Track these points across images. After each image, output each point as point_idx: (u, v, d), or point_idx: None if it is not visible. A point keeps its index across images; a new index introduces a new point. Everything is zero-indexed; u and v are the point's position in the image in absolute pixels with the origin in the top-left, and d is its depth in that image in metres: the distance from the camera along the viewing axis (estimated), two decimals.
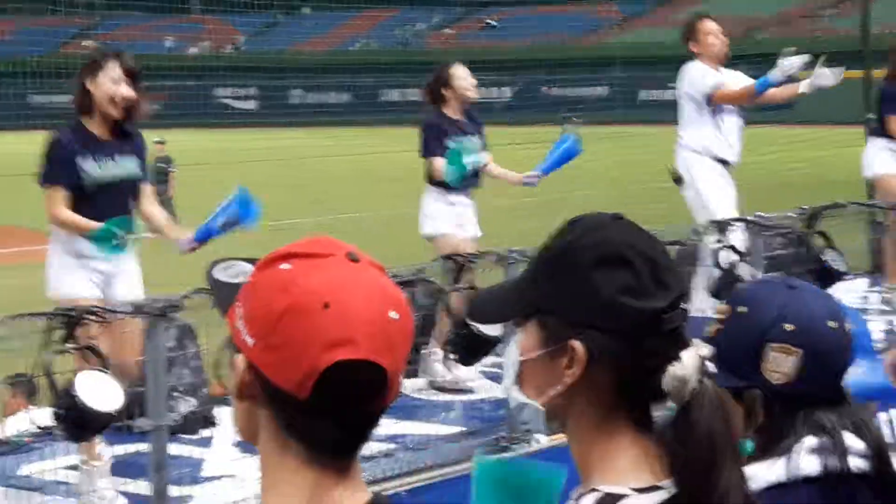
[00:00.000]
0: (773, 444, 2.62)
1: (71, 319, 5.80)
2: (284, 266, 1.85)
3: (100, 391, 5.50)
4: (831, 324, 2.65)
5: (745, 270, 7.99)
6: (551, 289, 2.08)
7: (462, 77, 9.51)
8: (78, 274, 6.94)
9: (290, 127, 62.02)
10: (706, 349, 2.08)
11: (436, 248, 9.01)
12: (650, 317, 2.03)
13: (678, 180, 9.97)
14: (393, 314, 1.83)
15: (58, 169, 7.00)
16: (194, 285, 5.83)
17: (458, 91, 9.44)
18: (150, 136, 7.61)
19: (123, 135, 7.17)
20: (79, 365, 5.82)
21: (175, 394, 7.29)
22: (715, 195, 9.79)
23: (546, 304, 2.08)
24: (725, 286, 7.94)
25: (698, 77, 9.99)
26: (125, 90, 7.05)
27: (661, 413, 2.06)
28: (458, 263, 7.51)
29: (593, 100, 64.48)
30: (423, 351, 8.43)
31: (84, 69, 7.14)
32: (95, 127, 7.10)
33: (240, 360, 1.85)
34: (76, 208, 7.00)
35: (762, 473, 2.56)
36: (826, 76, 9.92)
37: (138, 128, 7.34)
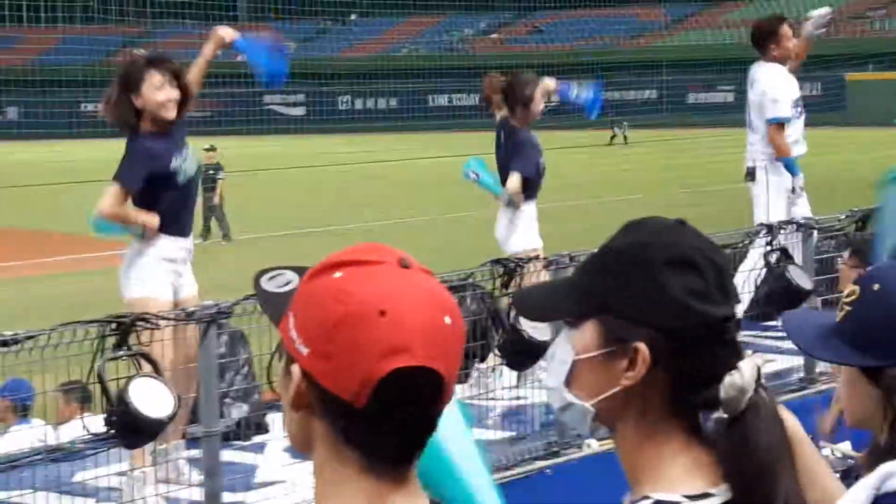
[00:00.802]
0: None
1: (123, 326, 5.83)
2: (336, 274, 1.84)
3: (153, 397, 5.52)
4: None
5: (795, 273, 7.96)
6: (616, 287, 2.04)
7: (539, 101, 9.63)
8: (159, 276, 7.08)
9: (338, 133, 62.27)
10: (761, 359, 2.07)
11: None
12: (715, 323, 2.02)
13: (751, 176, 10.12)
14: (447, 319, 1.82)
15: (133, 170, 7.11)
16: (244, 291, 5.88)
17: (532, 114, 9.59)
18: (200, 143, 7.73)
19: (178, 126, 7.29)
20: (132, 372, 5.86)
21: (227, 400, 7.33)
22: (777, 204, 9.88)
23: (608, 302, 2.04)
24: (776, 289, 7.91)
25: (771, 99, 10.15)
26: (171, 93, 7.12)
27: (709, 420, 2.05)
28: (507, 268, 7.50)
29: (641, 103, 64.38)
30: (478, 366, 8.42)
31: (123, 85, 7.16)
32: (153, 129, 7.18)
33: (295, 369, 1.84)
34: (166, 208, 7.13)
35: None
36: (820, 14, 10.56)
37: (188, 132, 7.48)
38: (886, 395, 2.59)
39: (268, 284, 2.03)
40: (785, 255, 8.13)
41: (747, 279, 8.33)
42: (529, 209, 9.62)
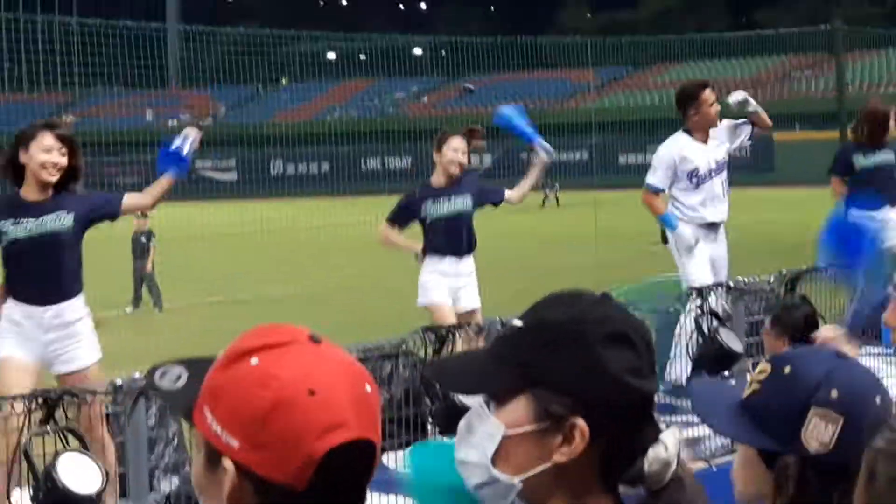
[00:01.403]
0: None
1: (50, 401, 5.75)
2: (253, 361, 1.81)
3: (80, 473, 5.45)
4: (877, 399, 2.51)
5: (726, 336, 7.99)
6: (551, 362, 2.02)
7: (451, 149, 9.65)
8: (11, 338, 7.19)
9: (271, 198, 62.15)
10: (679, 431, 2.07)
11: (431, 318, 9.11)
12: (646, 398, 2.02)
13: (664, 239, 10.26)
14: (367, 388, 1.83)
15: None
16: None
17: (442, 161, 9.66)
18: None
19: (62, 194, 7.37)
20: (58, 447, 5.78)
21: (157, 472, 7.23)
22: (690, 264, 9.95)
23: (543, 377, 2.02)
24: (707, 352, 7.94)
25: (651, 166, 10.40)
26: (56, 157, 7.23)
27: (631, 495, 2.04)
28: (438, 335, 7.48)
29: (573, 165, 64.76)
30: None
31: (17, 141, 7.33)
32: (29, 192, 7.32)
33: (227, 463, 1.80)
34: (7, 266, 7.33)
35: None
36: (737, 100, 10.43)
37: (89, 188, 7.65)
38: (776, 481, 2.51)
39: (161, 382, 1.97)
40: (716, 318, 8.16)
41: (689, 343, 8.34)
42: (434, 264, 9.63)
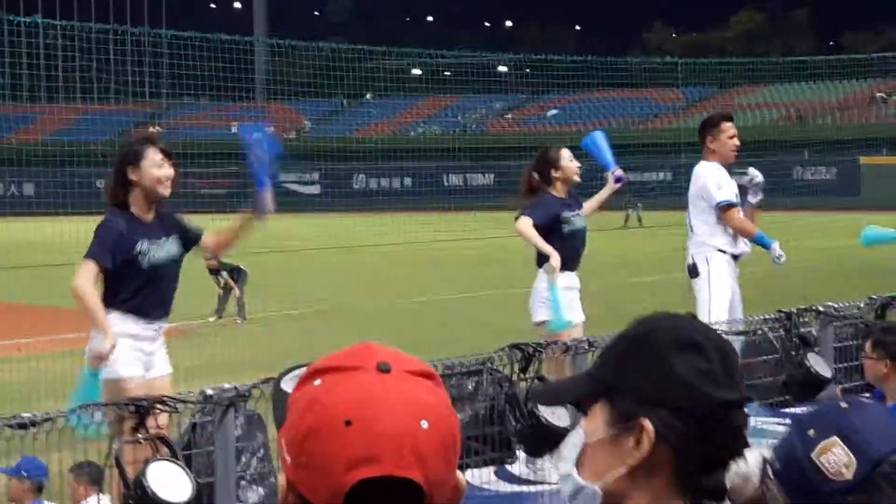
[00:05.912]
0: None
1: (141, 409, 5.81)
2: (316, 382, 1.83)
3: (170, 481, 5.50)
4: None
5: (815, 361, 7.91)
6: (624, 369, 2.08)
7: (568, 159, 9.77)
8: (127, 354, 7.22)
9: (353, 212, 62.43)
10: (768, 451, 2.08)
11: (543, 335, 9.08)
12: (719, 406, 2.03)
13: (693, 272, 10.09)
14: (423, 424, 1.79)
15: (103, 248, 7.23)
16: (258, 370, 5.83)
17: (566, 172, 9.70)
18: (220, 221, 7.86)
19: (160, 216, 7.43)
20: (149, 455, 5.83)
21: (243, 482, 7.28)
22: (718, 295, 9.88)
23: (617, 383, 2.08)
24: (795, 377, 7.87)
25: (713, 187, 10.16)
26: (168, 170, 7.32)
27: None
28: (524, 353, 7.46)
29: (657, 185, 64.51)
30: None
31: (124, 161, 7.34)
32: (140, 212, 7.35)
33: (281, 477, 1.86)
34: (132, 289, 7.26)
35: None
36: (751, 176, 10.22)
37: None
38: None
39: (287, 384, 1.98)
40: (804, 342, 8.08)
41: None
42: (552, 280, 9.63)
